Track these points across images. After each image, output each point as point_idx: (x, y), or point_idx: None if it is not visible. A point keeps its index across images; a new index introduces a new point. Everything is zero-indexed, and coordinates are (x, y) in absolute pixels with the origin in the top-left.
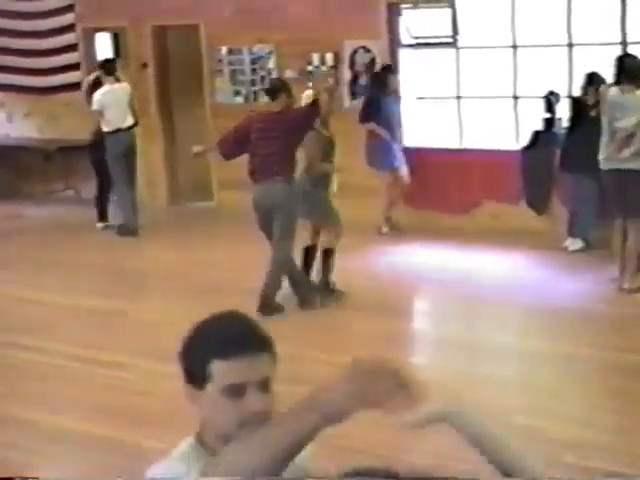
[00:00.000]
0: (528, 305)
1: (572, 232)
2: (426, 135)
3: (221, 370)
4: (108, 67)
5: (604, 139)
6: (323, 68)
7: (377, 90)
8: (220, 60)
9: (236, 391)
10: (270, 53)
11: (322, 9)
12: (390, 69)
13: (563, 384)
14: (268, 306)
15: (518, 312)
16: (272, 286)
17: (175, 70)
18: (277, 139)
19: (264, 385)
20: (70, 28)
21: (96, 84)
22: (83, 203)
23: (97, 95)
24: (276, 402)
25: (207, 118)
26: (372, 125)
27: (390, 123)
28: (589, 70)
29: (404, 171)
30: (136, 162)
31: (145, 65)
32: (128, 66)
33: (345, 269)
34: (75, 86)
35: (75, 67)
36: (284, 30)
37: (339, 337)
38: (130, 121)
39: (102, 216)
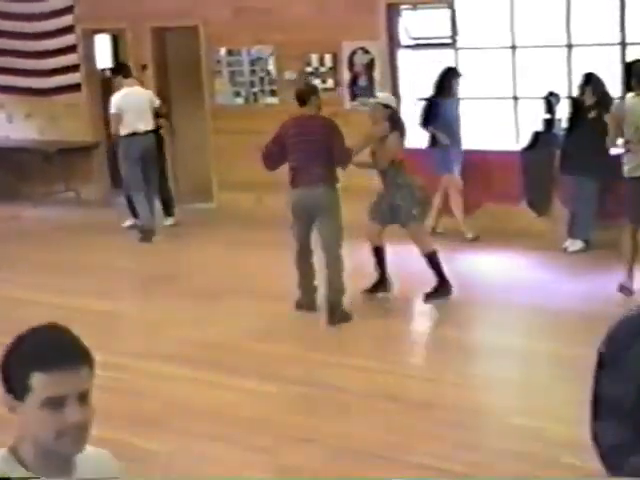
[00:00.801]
0: (528, 306)
1: (572, 233)
2: (426, 136)
3: (41, 383)
4: (125, 70)
5: (632, 147)
6: (322, 69)
7: (438, 93)
8: (219, 61)
9: (55, 403)
10: (270, 54)
11: (321, 10)
12: (453, 72)
13: (563, 385)
14: (337, 314)
15: (518, 313)
16: (339, 291)
17: (174, 71)
18: (316, 143)
19: (83, 397)
20: (69, 30)
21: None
22: (83, 204)
23: (116, 98)
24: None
25: (207, 119)
26: (432, 129)
27: (450, 127)
28: (586, 70)
29: (458, 175)
30: (155, 166)
31: (144, 67)
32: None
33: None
34: (75, 87)
35: (75, 68)
36: (283, 31)
37: (343, 337)
38: (150, 126)
39: (134, 214)
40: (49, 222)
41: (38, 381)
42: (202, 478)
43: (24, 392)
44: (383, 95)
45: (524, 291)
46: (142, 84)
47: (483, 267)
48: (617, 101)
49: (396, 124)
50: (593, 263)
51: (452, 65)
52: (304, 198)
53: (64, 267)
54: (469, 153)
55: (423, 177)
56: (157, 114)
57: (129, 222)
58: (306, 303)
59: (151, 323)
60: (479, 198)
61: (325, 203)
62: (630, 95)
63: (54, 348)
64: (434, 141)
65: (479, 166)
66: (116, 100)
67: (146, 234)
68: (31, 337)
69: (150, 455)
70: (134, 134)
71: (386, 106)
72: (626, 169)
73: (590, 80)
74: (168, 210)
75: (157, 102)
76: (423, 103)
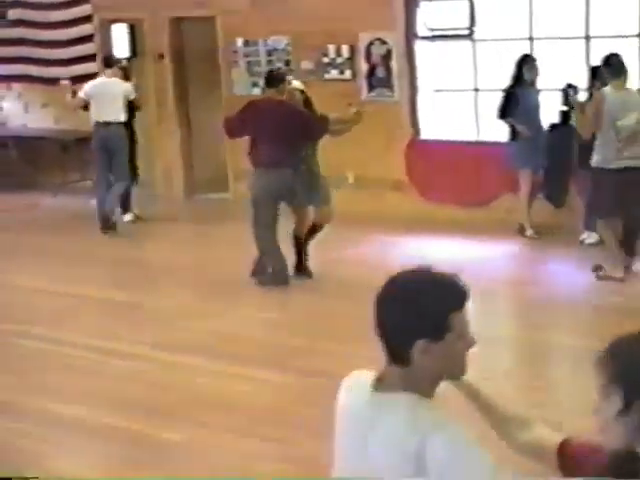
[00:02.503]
0: (543, 298)
1: (588, 226)
2: (443, 127)
3: (459, 320)
4: (107, 60)
5: (609, 138)
6: (339, 60)
7: (514, 83)
8: (236, 51)
9: (465, 333)
10: (286, 45)
11: (337, 1)
12: (526, 59)
13: (578, 378)
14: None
15: (534, 306)
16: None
17: (191, 61)
18: (282, 127)
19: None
20: (87, 19)
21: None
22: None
23: (87, 84)
24: None
25: (223, 109)
26: (510, 120)
27: (529, 117)
28: (594, 64)
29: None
30: (117, 160)
31: (162, 56)
32: (145, 57)
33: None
34: (92, 77)
35: (91, 58)
36: (300, 22)
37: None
38: (114, 117)
39: (125, 208)
40: (66, 211)
41: (457, 319)
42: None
43: (444, 331)
44: (298, 82)
45: (539, 283)
46: (124, 76)
47: (499, 260)
48: (596, 93)
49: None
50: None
51: (527, 52)
52: (267, 178)
53: (81, 257)
54: (486, 145)
55: (507, 172)
56: (131, 106)
57: (129, 216)
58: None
59: (167, 313)
60: (494, 190)
61: (288, 185)
62: (608, 89)
63: (461, 287)
64: (514, 133)
65: (496, 157)
66: (86, 86)
67: (102, 224)
68: (442, 283)
69: (166, 445)
70: (97, 123)
71: (302, 91)
72: (597, 160)
73: (597, 74)
74: (125, 206)
75: (133, 95)
76: (501, 94)
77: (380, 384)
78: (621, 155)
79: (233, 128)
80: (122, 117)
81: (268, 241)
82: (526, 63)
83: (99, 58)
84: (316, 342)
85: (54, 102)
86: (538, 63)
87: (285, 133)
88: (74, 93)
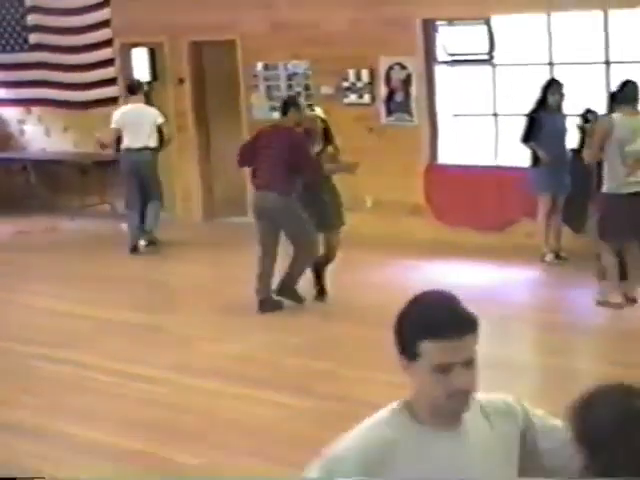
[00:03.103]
0: (563, 324)
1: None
2: (462, 152)
3: (430, 351)
4: (131, 86)
5: (617, 164)
6: (359, 84)
7: (538, 107)
8: (256, 76)
9: (443, 369)
10: (306, 69)
11: (358, 25)
12: (553, 84)
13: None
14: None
15: (553, 332)
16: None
17: (211, 85)
18: (275, 155)
19: (469, 363)
20: (107, 43)
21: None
22: (118, 217)
23: (116, 114)
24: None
25: (243, 133)
26: (532, 145)
27: (552, 142)
28: (613, 89)
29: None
30: (150, 183)
31: (182, 80)
32: (165, 81)
33: (375, 284)
34: (112, 101)
35: (112, 82)
36: (320, 46)
37: (377, 353)
38: (146, 142)
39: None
40: (85, 234)
41: (427, 349)
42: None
43: (415, 356)
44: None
45: (559, 309)
46: (147, 102)
47: (517, 285)
48: (603, 119)
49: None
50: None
51: (554, 77)
52: (261, 201)
53: (98, 279)
54: (505, 169)
55: (526, 196)
56: (160, 131)
57: (143, 242)
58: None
59: (185, 336)
60: (513, 214)
61: (275, 209)
62: (618, 115)
63: (443, 319)
64: (535, 158)
65: (514, 181)
66: (115, 116)
67: (131, 249)
68: (422, 305)
69: (184, 469)
70: (128, 149)
71: (322, 119)
72: (608, 186)
73: (616, 99)
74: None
75: (160, 120)
76: (525, 118)
77: None
78: (629, 180)
79: (242, 157)
80: (153, 142)
81: (259, 261)
82: (552, 88)
83: (120, 82)
84: (335, 367)
85: (74, 126)
86: (564, 88)
87: (278, 160)
88: (102, 145)
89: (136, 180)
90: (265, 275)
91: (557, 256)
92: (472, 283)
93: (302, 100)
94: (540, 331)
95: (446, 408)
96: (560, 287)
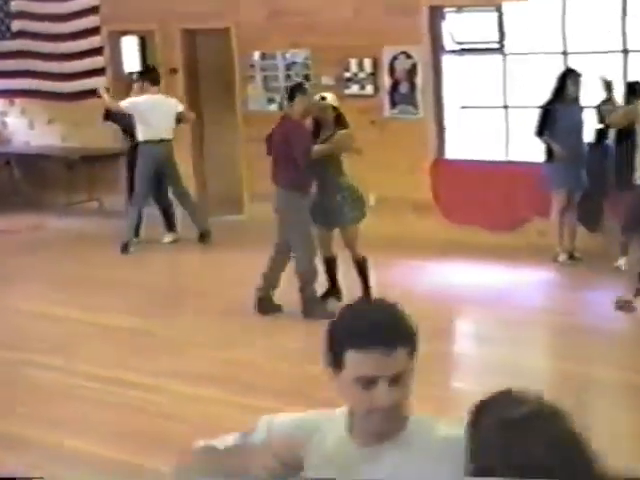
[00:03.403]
0: (577, 328)
1: (625, 251)
2: (471, 146)
3: (354, 361)
4: (154, 76)
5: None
6: (361, 74)
7: (554, 98)
8: (252, 65)
9: (367, 382)
10: (306, 59)
11: (360, 13)
12: (570, 74)
13: (615, 414)
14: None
15: (567, 336)
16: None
17: (205, 76)
18: (278, 146)
19: (395, 379)
20: (95, 31)
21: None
22: (107, 215)
23: (137, 101)
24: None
25: (238, 126)
26: (546, 138)
27: (568, 136)
28: (633, 79)
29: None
30: (175, 175)
31: (174, 70)
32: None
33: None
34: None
35: (100, 72)
36: (320, 34)
37: None
38: (167, 134)
39: (170, 227)
40: (72, 233)
41: (352, 359)
42: None
43: (339, 366)
44: (333, 96)
45: (574, 312)
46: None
47: (528, 286)
48: (632, 107)
49: (344, 124)
50: None
51: (571, 67)
52: (272, 197)
53: (88, 281)
54: (516, 165)
55: (539, 193)
56: (179, 120)
57: (168, 237)
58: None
59: (180, 341)
60: (525, 212)
61: (279, 206)
62: None
63: (370, 329)
64: (550, 153)
65: (526, 178)
66: (129, 101)
67: (122, 248)
68: (352, 313)
69: None
70: (147, 142)
71: (334, 107)
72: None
73: (636, 89)
74: (169, 224)
75: (180, 107)
76: (539, 110)
77: None
78: None
79: (267, 149)
80: (171, 134)
81: (268, 260)
82: (569, 78)
83: (108, 72)
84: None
85: (59, 118)
86: (582, 79)
87: (279, 153)
88: (108, 90)
89: (154, 175)
90: (270, 274)
91: (571, 256)
92: (481, 285)
93: (309, 87)
94: (553, 335)
95: (365, 425)
96: (574, 289)
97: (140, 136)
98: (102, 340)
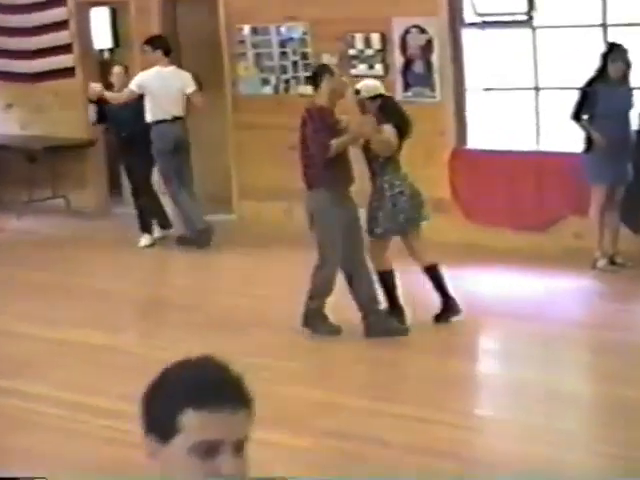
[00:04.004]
0: (619, 345)
1: None
2: (495, 134)
3: (194, 423)
4: (165, 45)
5: None
6: (368, 52)
7: (595, 78)
8: (242, 41)
9: (208, 449)
10: (304, 34)
11: None
12: (614, 50)
13: None
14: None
15: (607, 353)
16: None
17: (187, 53)
18: (302, 140)
19: (239, 446)
20: (60, 2)
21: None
22: (75, 214)
23: (144, 76)
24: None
25: (227, 112)
26: (584, 124)
27: (611, 121)
28: None
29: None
30: (188, 160)
31: None
32: (130, 48)
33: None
34: (67, 72)
35: (66, 49)
36: (319, 5)
37: (389, 379)
38: (180, 112)
39: (146, 228)
40: (34, 235)
41: (191, 421)
42: None
43: (171, 433)
44: (369, 84)
45: (613, 325)
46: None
47: (563, 296)
48: None
49: (390, 115)
50: None
51: (616, 41)
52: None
53: (52, 291)
54: (548, 155)
55: (575, 188)
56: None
57: (145, 240)
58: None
59: (157, 360)
60: (559, 210)
61: (310, 209)
62: None
63: (213, 384)
64: (589, 142)
65: (560, 170)
66: (138, 79)
67: (193, 243)
68: (185, 369)
69: None
70: (161, 122)
71: (373, 97)
72: None
73: None
74: (145, 225)
75: (190, 88)
76: (577, 92)
77: None
78: None
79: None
80: (181, 111)
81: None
82: (613, 54)
83: (75, 48)
84: (337, 397)
85: (20, 103)
86: (630, 55)
87: (301, 148)
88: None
89: (175, 159)
90: (314, 288)
91: (612, 262)
92: (508, 294)
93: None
94: (593, 353)
95: None
96: (616, 299)
97: (150, 116)
98: (68, 359)
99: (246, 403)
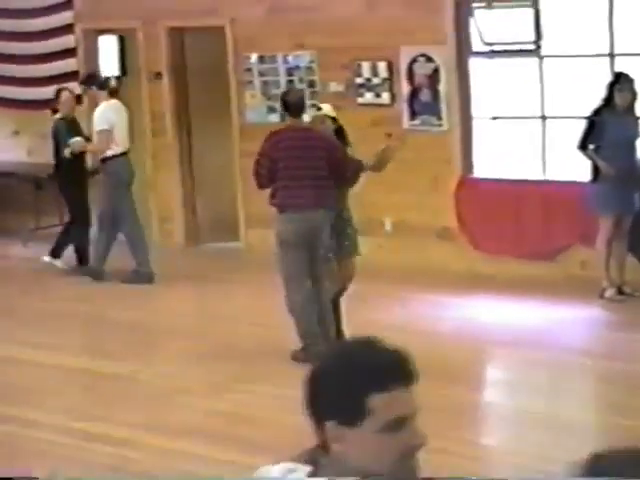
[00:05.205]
0: (627, 376)
1: None
2: (502, 163)
3: (381, 404)
4: (102, 81)
5: None
6: (375, 80)
7: (602, 107)
8: (249, 69)
9: (397, 425)
10: (311, 62)
11: (373, 8)
12: (620, 79)
13: None
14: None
15: (615, 384)
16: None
17: (195, 81)
18: (317, 159)
19: (415, 416)
20: (68, 29)
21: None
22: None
23: (106, 112)
24: None
25: (234, 140)
26: (591, 153)
27: (618, 151)
28: None
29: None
30: (130, 200)
31: (159, 75)
32: (138, 76)
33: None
34: (74, 98)
35: (73, 76)
36: (327, 34)
37: None
38: (128, 145)
39: (83, 260)
40: (40, 263)
41: (378, 403)
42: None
43: (359, 417)
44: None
45: (619, 356)
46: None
47: (570, 325)
48: None
49: (343, 141)
50: None
51: (623, 71)
52: (299, 223)
53: (56, 318)
54: (555, 185)
55: (582, 217)
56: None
57: (48, 258)
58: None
59: (164, 388)
60: (565, 239)
61: (323, 227)
62: None
63: (392, 366)
64: (596, 171)
65: (567, 200)
66: (105, 114)
67: (142, 279)
68: (361, 356)
69: None
70: (120, 155)
71: (333, 118)
72: None
73: None
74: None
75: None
76: (584, 121)
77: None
78: None
79: (263, 176)
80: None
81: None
82: (620, 84)
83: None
84: None
85: (27, 130)
86: (637, 85)
87: (322, 166)
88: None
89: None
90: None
91: (620, 291)
92: (515, 324)
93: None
94: (600, 382)
95: (400, 473)
96: (623, 329)
97: (114, 148)
98: (73, 387)
99: (417, 378)
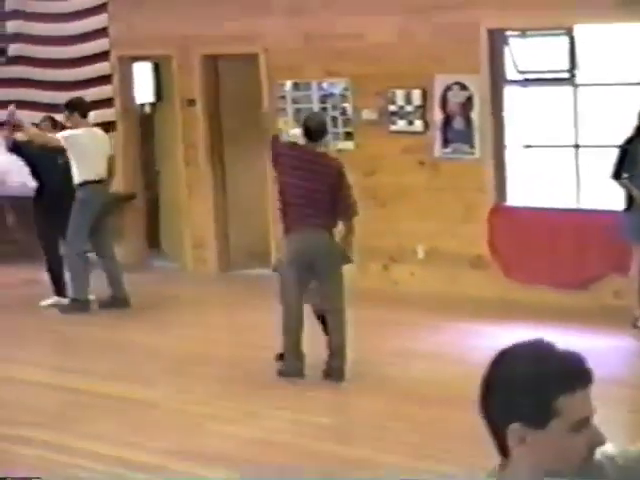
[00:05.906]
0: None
1: None
2: (535, 191)
3: (568, 406)
4: (83, 107)
5: None
6: (408, 108)
7: (635, 136)
8: (283, 97)
9: (581, 425)
10: (344, 89)
11: (407, 36)
12: None
13: None
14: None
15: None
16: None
17: (228, 108)
18: (321, 182)
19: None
20: (103, 56)
21: None
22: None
23: (77, 132)
24: None
25: (267, 168)
26: (625, 182)
27: None
28: None
29: None
30: (108, 226)
31: (192, 102)
32: (171, 103)
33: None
34: (108, 125)
35: (108, 103)
36: (360, 61)
37: (419, 437)
38: (104, 174)
39: (60, 290)
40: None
41: (565, 405)
42: None
43: (547, 418)
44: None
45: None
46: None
47: (601, 355)
48: None
49: None
50: None
51: None
52: (302, 243)
53: (87, 343)
54: (589, 213)
55: (615, 247)
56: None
57: (51, 300)
58: (294, 371)
59: (189, 414)
60: (598, 268)
61: (327, 250)
62: None
63: (573, 369)
64: (630, 200)
65: (600, 228)
66: (75, 132)
67: (118, 304)
68: (548, 357)
69: None
70: (97, 182)
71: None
72: None
73: None
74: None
75: (110, 151)
76: (617, 150)
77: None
78: None
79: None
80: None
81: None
82: None
83: (118, 103)
84: (373, 454)
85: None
86: None
87: (328, 189)
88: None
89: (92, 222)
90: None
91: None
92: None
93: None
94: (632, 412)
95: (584, 469)
96: None
97: (78, 177)
98: (102, 413)
99: (594, 377)
